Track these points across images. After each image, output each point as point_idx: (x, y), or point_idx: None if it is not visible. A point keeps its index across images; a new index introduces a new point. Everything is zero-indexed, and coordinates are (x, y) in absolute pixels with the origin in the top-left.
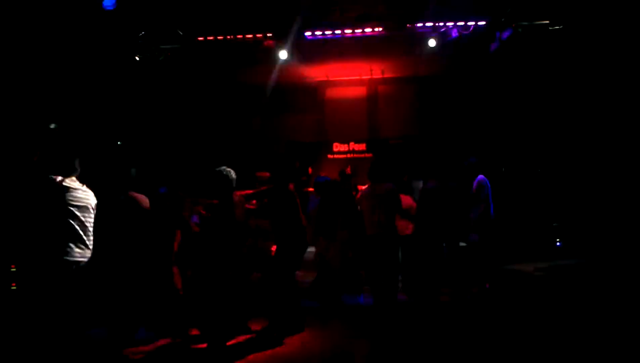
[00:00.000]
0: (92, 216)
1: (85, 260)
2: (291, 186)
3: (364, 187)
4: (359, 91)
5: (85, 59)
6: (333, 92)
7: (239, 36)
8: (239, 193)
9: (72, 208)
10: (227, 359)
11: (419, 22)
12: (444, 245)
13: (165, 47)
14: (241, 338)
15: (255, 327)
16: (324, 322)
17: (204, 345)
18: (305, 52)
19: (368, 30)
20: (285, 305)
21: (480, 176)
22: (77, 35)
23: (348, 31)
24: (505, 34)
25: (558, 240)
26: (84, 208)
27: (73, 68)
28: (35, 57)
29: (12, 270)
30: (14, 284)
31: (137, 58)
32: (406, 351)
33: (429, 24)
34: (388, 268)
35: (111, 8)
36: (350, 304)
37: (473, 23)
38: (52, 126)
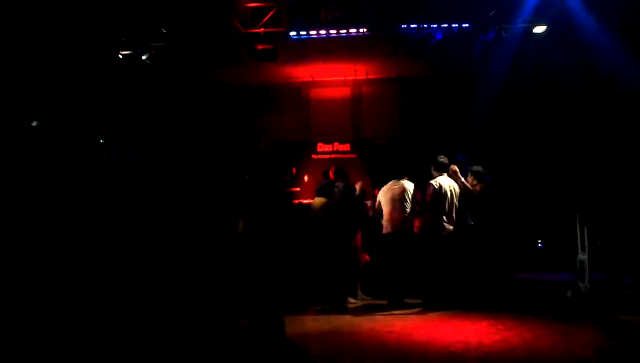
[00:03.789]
0: None
1: None
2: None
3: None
4: (344, 92)
5: (67, 56)
6: (317, 93)
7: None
8: None
9: None
10: None
11: (403, 24)
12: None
13: (149, 46)
14: None
15: None
16: None
17: None
18: (290, 52)
19: (353, 31)
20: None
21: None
22: (59, 32)
23: (333, 32)
24: (489, 36)
25: (539, 241)
26: None
27: (54, 65)
28: (16, 53)
29: None
30: None
31: (120, 56)
32: None
33: (413, 26)
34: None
35: None
36: None
37: (457, 25)
38: (34, 123)
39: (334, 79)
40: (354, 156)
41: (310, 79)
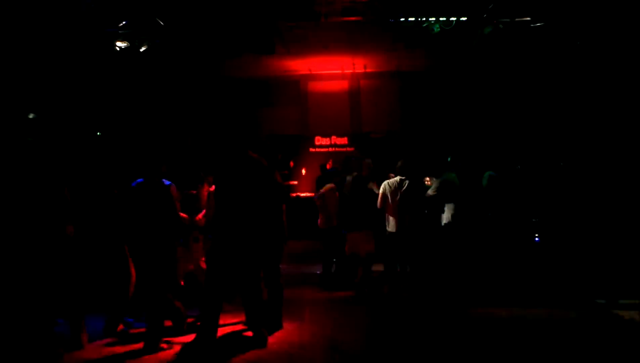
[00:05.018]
0: None
1: None
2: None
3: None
4: (342, 85)
5: (65, 48)
6: (315, 86)
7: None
8: None
9: None
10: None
11: (401, 17)
12: None
13: (146, 38)
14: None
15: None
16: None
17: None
18: (288, 45)
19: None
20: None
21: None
22: (55, 24)
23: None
24: (487, 30)
25: (537, 235)
26: None
27: (51, 57)
28: (12, 46)
29: None
30: None
31: (118, 48)
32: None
33: (411, 19)
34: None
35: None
36: None
37: (455, 19)
38: (31, 116)
39: (332, 72)
40: (351, 149)
41: (308, 72)
